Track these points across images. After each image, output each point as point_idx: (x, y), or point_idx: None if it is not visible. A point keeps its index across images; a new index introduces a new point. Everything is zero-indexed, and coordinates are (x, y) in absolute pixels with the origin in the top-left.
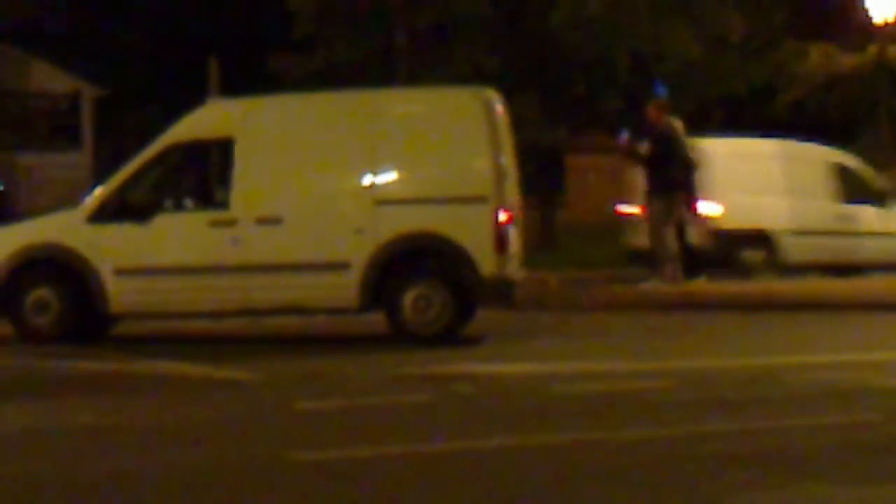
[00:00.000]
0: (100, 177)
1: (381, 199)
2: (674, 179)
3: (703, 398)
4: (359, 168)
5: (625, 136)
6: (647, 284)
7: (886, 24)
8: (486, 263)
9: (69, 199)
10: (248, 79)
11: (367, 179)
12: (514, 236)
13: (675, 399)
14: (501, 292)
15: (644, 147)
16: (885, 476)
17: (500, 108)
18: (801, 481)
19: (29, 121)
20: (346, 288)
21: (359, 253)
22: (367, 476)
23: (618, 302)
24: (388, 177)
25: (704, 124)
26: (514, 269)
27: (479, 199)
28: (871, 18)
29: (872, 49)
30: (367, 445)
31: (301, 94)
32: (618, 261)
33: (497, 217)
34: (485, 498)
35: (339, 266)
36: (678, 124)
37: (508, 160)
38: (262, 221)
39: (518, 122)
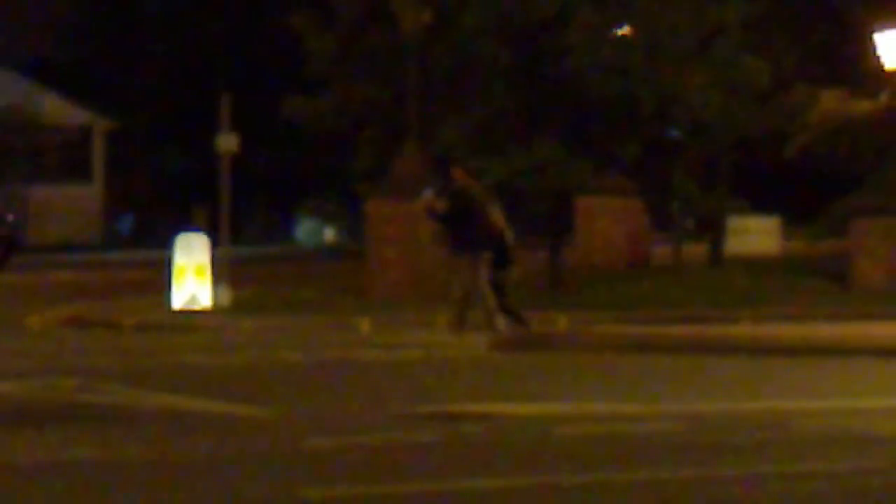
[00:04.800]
0: (110, 210)
1: None
2: (474, 240)
3: (710, 442)
4: None
5: (428, 192)
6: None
7: None
8: None
9: (79, 232)
10: (261, 117)
11: None
12: None
13: (681, 442)
14: None
15: (441, 204)
16: None
17: None
18: None
19: (41, 153)
20: None
21: None
22: None
23: (624, 343)
24: None
25: (716, 170)
26: None
27: None
28: (883, 65)
29: (884, 95)
30: (375, 484)
31: None
32: (625, 303)
33: None
34: None
35: None
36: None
37: None
38: None
39: (538, 164)
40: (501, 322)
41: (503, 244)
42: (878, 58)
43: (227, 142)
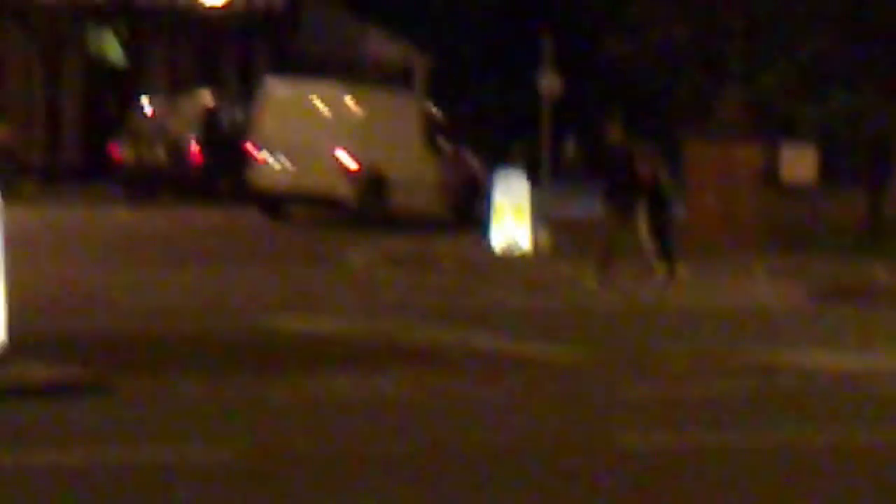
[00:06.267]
0: None
1: None
2: (624, 191)
3: None
4: None
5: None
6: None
7: None
8: None
9: None
10: (581, 56)
11: None
12: None
13: None
14: None
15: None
16: None
17: None
18: None
19: None
20: None
21: None
22: (691, 466)
23: None
24: None
25: None
26: None
27: None
28: None
29: None
30: (693, 434)
31: None
32: None
33: None
34: (805, 498)
35: None
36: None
37: None
38: None
39: (856, 113)
40: (663, 267)
41: (656, 190)
42: None
43: (550, 83)
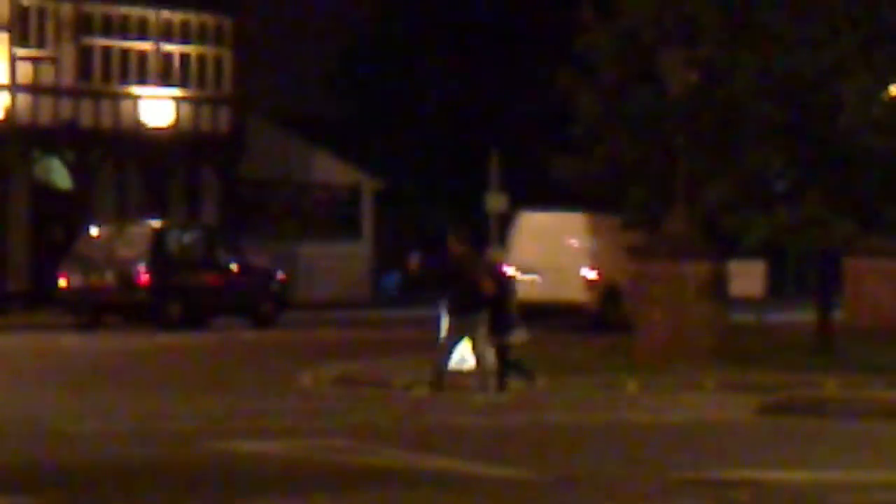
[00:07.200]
0: (378, 268)
1: None
2: (464, 303)
3: None
4: None
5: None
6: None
7: None
8: None
9: (347, 290)
10: (528, 175)
11: None
12: None
13: None
14: None
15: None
16: None
17: None
18: None
19: (311, 211)
20: None
21: None
22: None
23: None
24: None
25: None
26: None
27: None
28: None
29: None
30: None
31: None
32: None
33: None
34: None
35: None
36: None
37: None
38: None
39: (803, 223)
40: (494, 386)
41: (498, 309)
42: None
43: (496, 201)
